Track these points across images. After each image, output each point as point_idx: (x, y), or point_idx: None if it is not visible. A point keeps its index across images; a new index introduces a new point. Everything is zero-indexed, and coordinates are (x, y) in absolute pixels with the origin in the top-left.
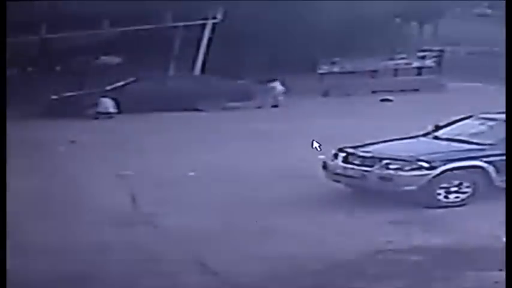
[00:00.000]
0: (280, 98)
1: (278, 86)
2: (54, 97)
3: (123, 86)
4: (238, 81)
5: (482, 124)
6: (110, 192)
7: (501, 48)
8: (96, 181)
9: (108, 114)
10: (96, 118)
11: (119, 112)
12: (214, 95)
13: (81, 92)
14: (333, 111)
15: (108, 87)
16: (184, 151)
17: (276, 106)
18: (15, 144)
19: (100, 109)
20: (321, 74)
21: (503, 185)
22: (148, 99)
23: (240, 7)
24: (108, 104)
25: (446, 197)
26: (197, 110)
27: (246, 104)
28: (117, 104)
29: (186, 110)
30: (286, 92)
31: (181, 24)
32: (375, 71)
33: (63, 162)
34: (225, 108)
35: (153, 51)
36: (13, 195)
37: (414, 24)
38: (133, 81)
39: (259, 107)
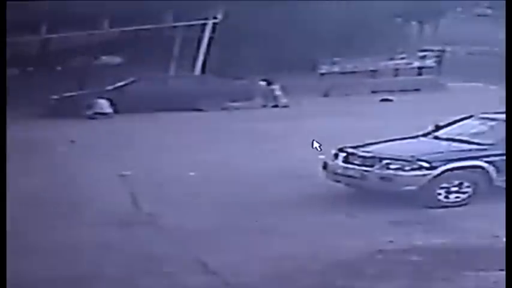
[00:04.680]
0: (283, 99)
1: (277, 89)
2: (54, 97)
3: (123, 86)
4: (238, 81)
5: (482, 124)
6: (110, 192)
7: (501, 48)
8: (96, 181)
9: (105, 115)
10: (94, 118)
11: (118, 112)
12: (214, 95)
13: (81, 92)
14: (333, 111)
15: (109, 87)
16: (184, 151)
17: (276, 106)
18: (15, 144)
19: (97, 110)
20: (321, 74)
21: (504, 184)
22: (148, 99)
23: (240, 7)
24: (105, 105)
25: (446, 197)
26: (197, 109)
27: (246, 104)
28: (118, 104)
29: (186, 110)
30: (285, 95)
31: (182, 24)
32: (375, 71)
33: (63, 162)
34: (224, 108)
35: (153, 51)
36: (13, 195)
37: (414, 24)
38: (133, 81)
39: (263, 106)
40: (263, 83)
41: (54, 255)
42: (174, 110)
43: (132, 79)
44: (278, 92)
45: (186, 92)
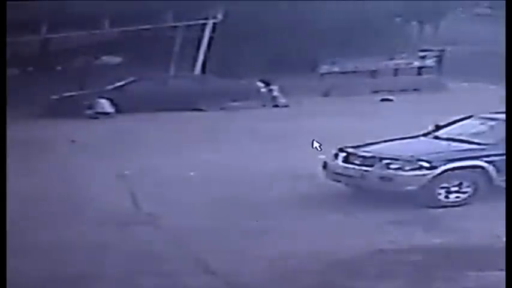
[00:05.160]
0: (281, 100)
1: (275, 90)
2: (54, 97)
3: (123, 85)
4: (238, 81)
5: (482, 124)
6: (110, 192)
7: (501, 48)
8: (96, 181)
9: (107, 115)
10: (96, 118)
11: (118, 112)
12: (213, 95)
13: (81, 92)
14: (333, 111)
15: (109, 87)
16: (184, 151)
17: (276, 106)
18: (15, 144)
19: (98, 109)
20: (321, 74)
21: (504, 184)
22: (149, 99)
23: (240, 7)
24: (106, 105)
25: (446, 196)
26: (197, 109)
27: (246, 103)
28: (118, 104)
29: (185, 109)
30: (285, 95)
31: (182, 24)
32: (375, 71)
33: (63, 162)
34: (223, 108)
35: (153, 51)
36: (13, 195)
37: (414, 24)
38: (133, 81)
39: (263, 106)
40: (261, 84)
41: (54, 254)
42: (174, 109)
43: (132, 79)
44: (276, 93)
45: (186, 91)
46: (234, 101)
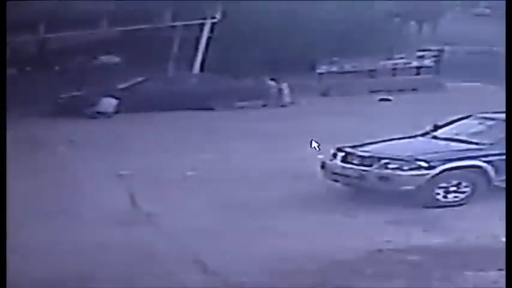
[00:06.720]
0: (288, 99)
1: (285, 88)
2: (55, 97)
3: (132, 85)
4: (247, 80)
5: (481, 124)
6: (109, 192)
7: (501, 48)
8: (95, 181)
9: (104, 114)
10: (95, 118)
11: (126, 111)
12: (222, 94)
13: (82, 93)
14: (331, 111)
15: (121, 86)
16: (185, 151)
17: (284, 106)
18: (16, 144)
19: (100, 109)
20: (320, 73)
21: (502, 184)
22: (158, 98)
23: (239, 7)
24: (109, 104)
25: (445, 196)
26: (198, 109)
27: (251, 103)
28: (125, 103)
29: (190, 109)
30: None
31: (181, 24)
32: (373, 71)
33: (63, 162)
34: (226, 108)
35: (151, 51)
36: (13, 195)
37: (413, 24)
38: (144, 81)
39: (264, 105)
40: (272, 83)
41: (54, 254)
42: (180, 109)
43: (141, 78)
44: (286, 91)
45: (194, 91)
46: (242, 100)
